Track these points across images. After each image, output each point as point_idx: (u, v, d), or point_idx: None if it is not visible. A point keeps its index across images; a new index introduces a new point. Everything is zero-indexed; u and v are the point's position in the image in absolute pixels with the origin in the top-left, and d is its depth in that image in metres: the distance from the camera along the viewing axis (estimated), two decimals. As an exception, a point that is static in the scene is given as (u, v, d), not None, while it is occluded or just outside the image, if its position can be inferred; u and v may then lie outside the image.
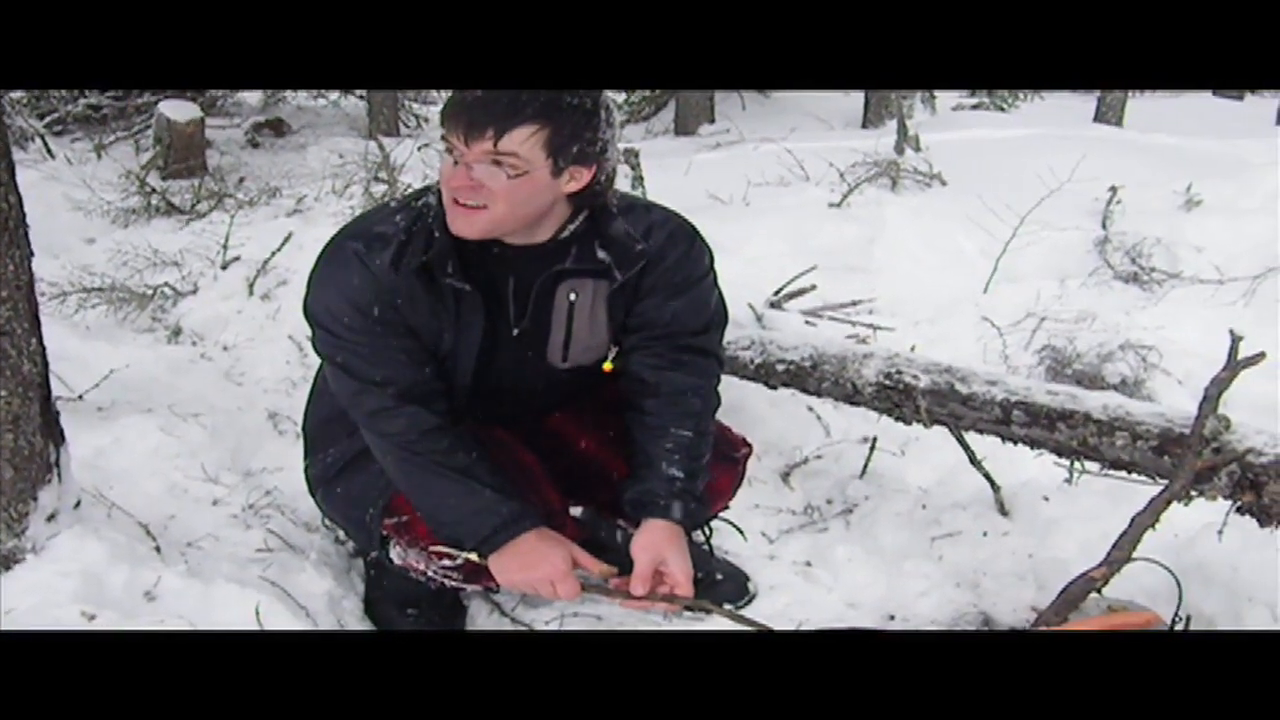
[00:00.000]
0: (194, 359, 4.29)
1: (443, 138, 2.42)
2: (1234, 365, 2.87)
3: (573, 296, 2.69)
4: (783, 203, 6.15)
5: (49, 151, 7.64)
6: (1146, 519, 2.69)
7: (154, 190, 6.33)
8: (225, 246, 5.05)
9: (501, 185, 2.41)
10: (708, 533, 3.27)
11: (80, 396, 3.71)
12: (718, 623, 3.03)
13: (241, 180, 6.99)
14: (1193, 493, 2.79)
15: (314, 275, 2.63)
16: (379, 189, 6.22)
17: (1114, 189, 6.00)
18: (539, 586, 2.58)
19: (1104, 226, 5.81)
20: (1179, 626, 2.81)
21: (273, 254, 4.87)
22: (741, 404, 3.87)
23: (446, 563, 2.66)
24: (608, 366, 2.81)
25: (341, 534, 3.22)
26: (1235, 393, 3.74)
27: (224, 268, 4.93)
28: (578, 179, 2.50)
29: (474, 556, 2.58)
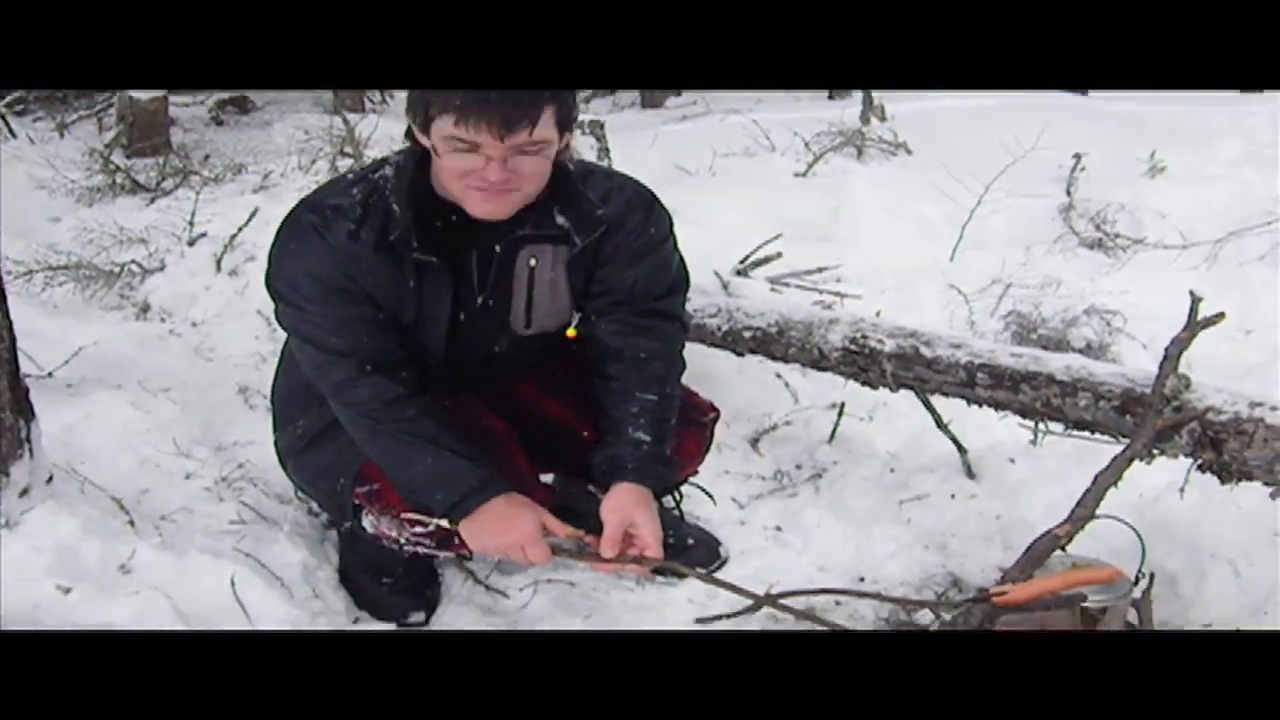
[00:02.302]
0: (163, 335, 4.29)
1: (455, 137, 2.41)
2: (1194, 326, 2.91)
3: (533, 262, 2.72)
4: (748, 173, 6.16)
5: (10, 131, 7.57)
6: (1109, 477, 2.73)
7: (118, 168, 6.28)
8: (191, 223, 5.03)
9: (532, 168, 2.48)
10: (678, 498, 3.30)
11: (49, 374, 3.71)
12: (690, 587, 3.08)
13: (207, 157, 6.94)
14: (1154, 451, 2.84)
15: (274, 249, 2.66)
16: (345, 164, 6.19)
17: (1078, 156, 6.04)
18: (509, 551, 2.60)
19: (1068, 193, 5.85)
20: (1142, 583, 2.85)
21: (239, 230, 4.86)
22: (709, 372, 3.89)
23: (419, 529, 2.68)
24: (571, 333, 2.85)
25: (314, 505, 3.24)
26: (1200, 356, 3.80)
27: (191, 244, 4.92)
28: (567, 145, 2.57)
29: (444, 523, 2.60)
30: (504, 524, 2.59)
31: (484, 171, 2.44)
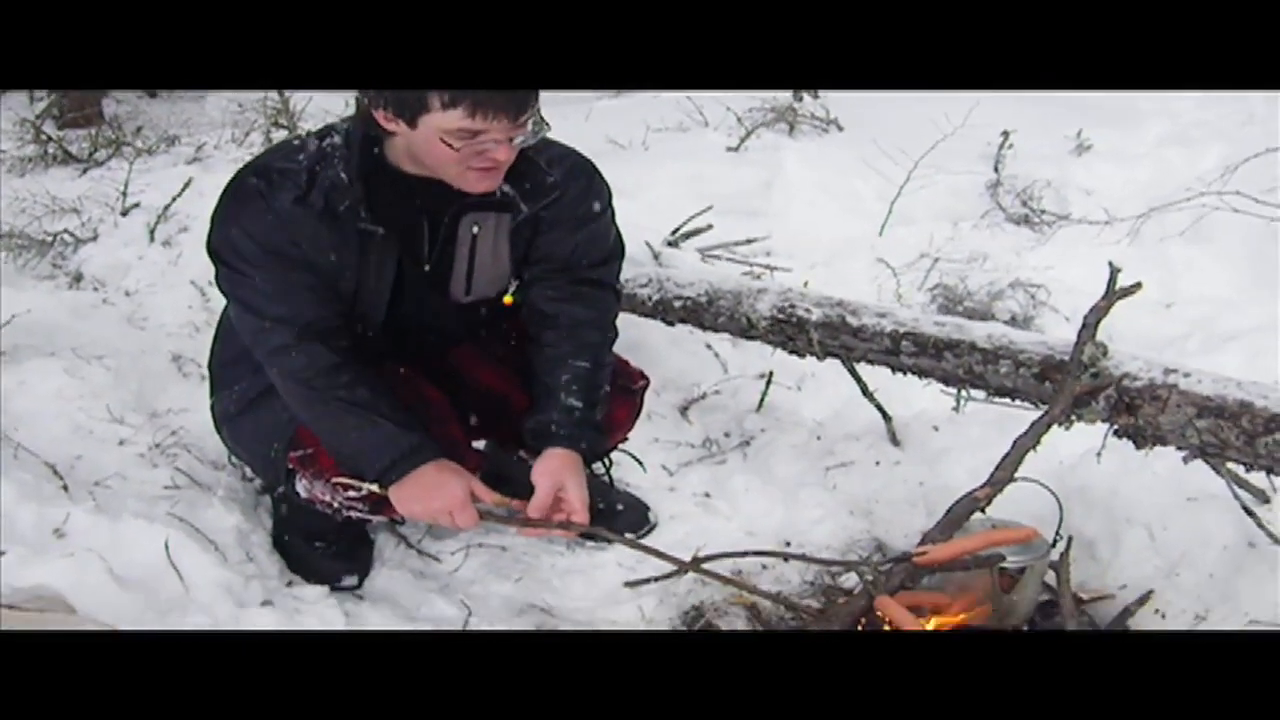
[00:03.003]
0: (96, 304, 4.27)
1: (464, 129, 2.43)
2: (1111, 295, 2.98)
3: (475, 229, 2.75)
4: (681, 147, 6.20)
5: (-61, 102, 7.51)
6: (1027, 441, 2.80)
7: (50, 138, 6.25)
8: (125, 194, 5.01)
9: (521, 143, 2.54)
10: (608, 464, 3.35)
11: (-19, 341, 3.70)
12: (619, 551, 3.14)
13: (139, 129, 6.88)
14: (1073, 416, 2.91)
15: (216, 212, 2.67)
16: (279, 136, 6.18)
17: (1006, 134, 6.11)
18: (438, 516, 2.65)
19: (996, 170, 5.93)
20: (1060, 545, 2.93)
21: (173, 200, 4.84)
22: (641, 342, 3.94)
23: (351, 494, 2.72)
24: (508, 299, 2.88)
25: (248, 470, 3.26)
26: (1123, 329, 3.90)
27: (124, 214, 4.89)
28: None
29: (375, 488, 2.64)
30: (433, 490, 2.63)
31: (494, 154, 2.49)
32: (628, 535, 3.05)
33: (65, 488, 3.01)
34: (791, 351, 3.56)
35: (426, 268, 2.77)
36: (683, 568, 2.79)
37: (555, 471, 2.72)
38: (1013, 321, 4.57)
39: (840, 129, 6.59)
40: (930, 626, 2.69)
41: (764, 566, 3.18)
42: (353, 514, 2.81)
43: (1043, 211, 5.58)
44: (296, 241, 2.60)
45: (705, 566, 2.77)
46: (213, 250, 2.68)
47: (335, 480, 2.71)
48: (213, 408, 3.01)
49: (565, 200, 2.80)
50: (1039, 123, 6.45)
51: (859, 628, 2.64)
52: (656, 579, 3.06)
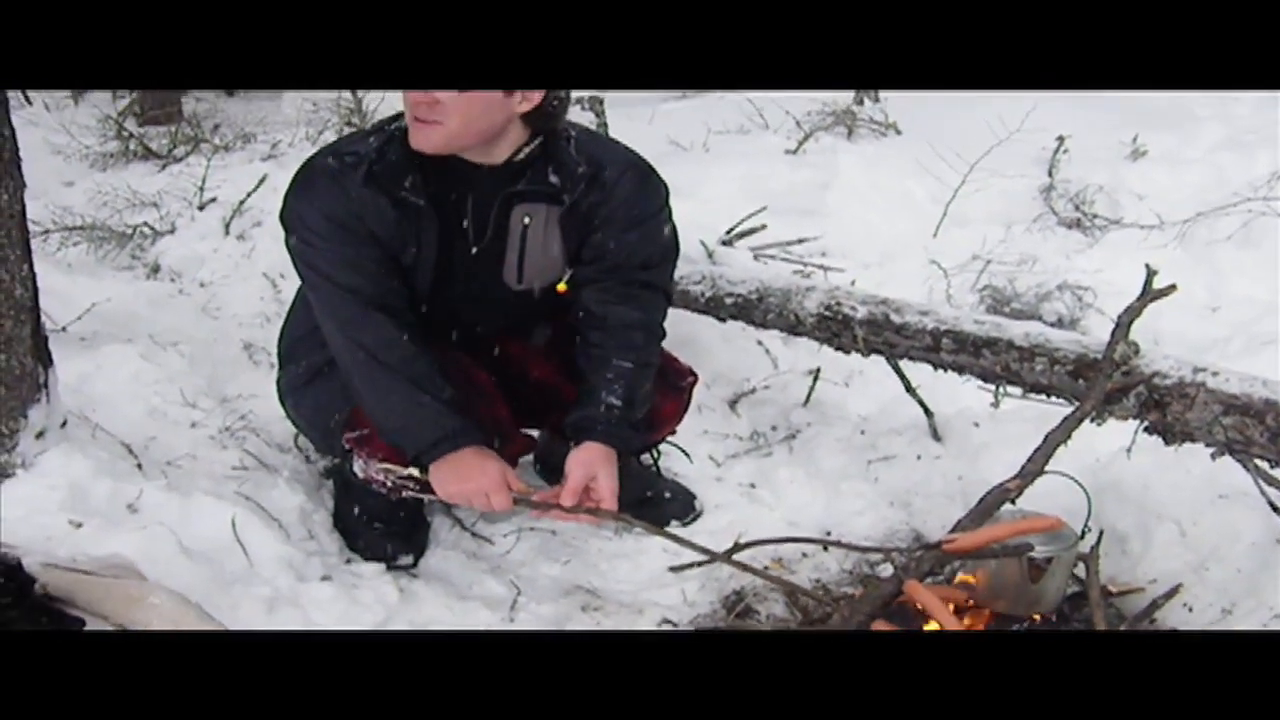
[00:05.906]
0: (172, 294, 4.42)
1: None
2: (1146, 296, 3.08)
3: (527, 220, 2.88)
4: (741, 149, 6.28)
5: (27, 98, 7.70)
6: (1059, 435, 2.90)
7: (131, 135, 6.42)
8: (202, 189, 5.16)
9: (454, 100, 2.61)
10: (656, 455, 3.47)
11: (63, 328, 3.84)
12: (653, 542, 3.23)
13: (217, 127, 7.06)
14: (1104, 413, 3.01)
15: (290, 189, 2.84)
16: (351, 134, 6.32)
17: (1061, 138, 6.15)
18: (473, 498, 2.79)
19: (1050, 174, 5.96)
20: (1089, 538, 3.02)
21: (248, 195, 4.99)
22: (693, 337, 4.07)
23: (400, 474, 2.85)
24: (562, 287, 3.00)
25: (312, 453, 3.42)
26: (1169, 331, 3.99)
27: (201, 209, 5.04)
28: (529, 99, 2.70)
29: (415, 472, 2.79)
30: (470, 473, 2.77)
31: (412, 96, 2.63)
32: (671, 525, 3.21)
33: (139, 466, 3.16)
34: (837, 348, 3.66)
35: (474, 249, 2.90)
36: (713, 558, 2.89)
37: (588, 463, 2.84)
38: (1059, 323, 4.62)
39: (899, 133, 6.65)
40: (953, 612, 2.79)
41: (804, 555, 3.28)
42: (406, 494, 2.92)
43: (1094, 215, 5.61)
44: (363, 217, 2.76)
45: (738, 557, 2.88)
46: (286, 224, 2.84)
47: (383, 465, 2.85)
48: (279, 381, 3.17)
49: (617, 200, 2.91)
50: (1094, 128, 6.46)
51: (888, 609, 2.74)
52: (699, 564, 3.16)
